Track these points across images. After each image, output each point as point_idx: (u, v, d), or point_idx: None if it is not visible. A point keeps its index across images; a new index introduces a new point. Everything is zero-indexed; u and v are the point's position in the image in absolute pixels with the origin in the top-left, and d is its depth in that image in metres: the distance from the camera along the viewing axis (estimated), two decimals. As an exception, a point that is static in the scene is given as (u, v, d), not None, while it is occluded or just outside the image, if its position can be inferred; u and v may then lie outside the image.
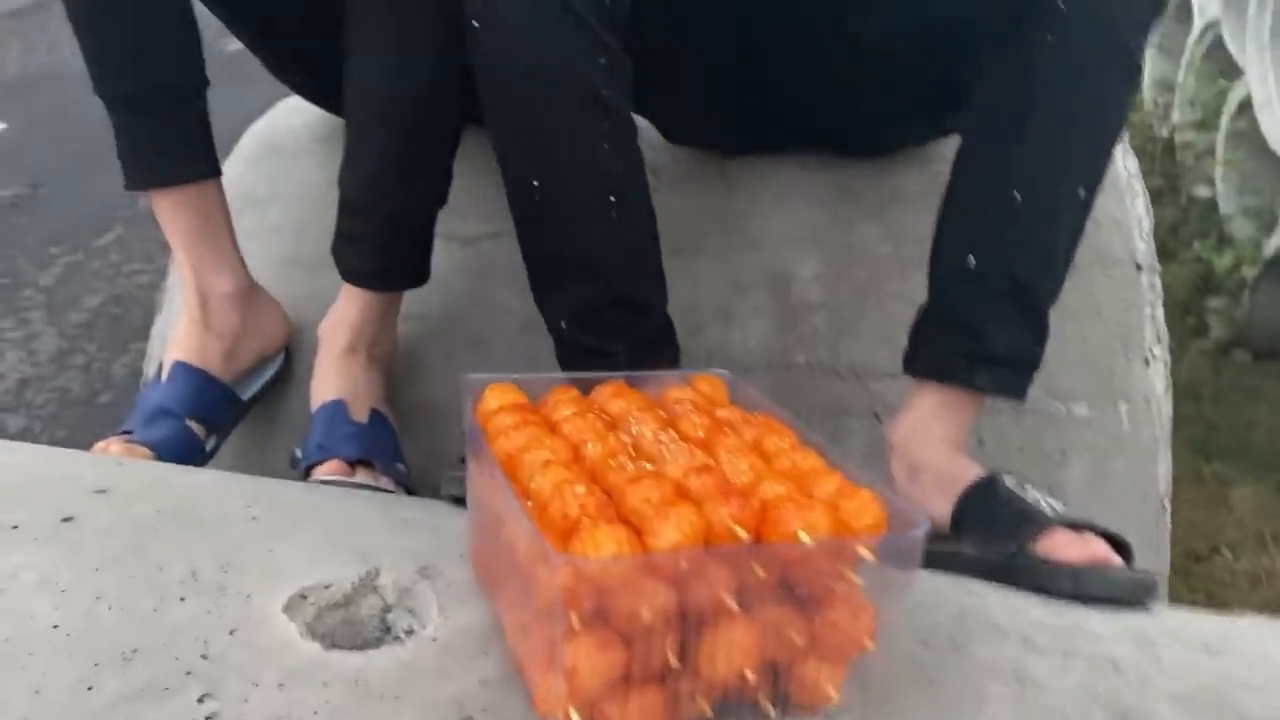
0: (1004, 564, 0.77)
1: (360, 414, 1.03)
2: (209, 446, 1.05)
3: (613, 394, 0.66)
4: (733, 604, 0.50)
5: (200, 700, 0.54)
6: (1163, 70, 3.57)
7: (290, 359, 1.17)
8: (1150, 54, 3.66)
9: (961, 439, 0.89)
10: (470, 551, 0.67)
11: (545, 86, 0.86)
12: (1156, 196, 3.36)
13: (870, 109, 1.13)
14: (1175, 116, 3.38)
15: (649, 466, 0.56)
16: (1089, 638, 0.67)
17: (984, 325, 0.87)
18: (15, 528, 0.66)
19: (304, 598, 0.63)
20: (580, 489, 0.52)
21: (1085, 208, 0.86)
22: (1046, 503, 0.80)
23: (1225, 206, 3.07)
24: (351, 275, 1.07)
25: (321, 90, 1.27)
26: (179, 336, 1.08)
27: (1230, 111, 2.98)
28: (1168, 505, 1.06)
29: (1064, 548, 0.75)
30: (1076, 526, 0.77)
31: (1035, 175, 0.84)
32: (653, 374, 0.74)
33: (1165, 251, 3.19)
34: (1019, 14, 0.83)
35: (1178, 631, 0.70)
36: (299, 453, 1.02)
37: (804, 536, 0.50)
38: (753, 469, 0.56)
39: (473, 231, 1.20)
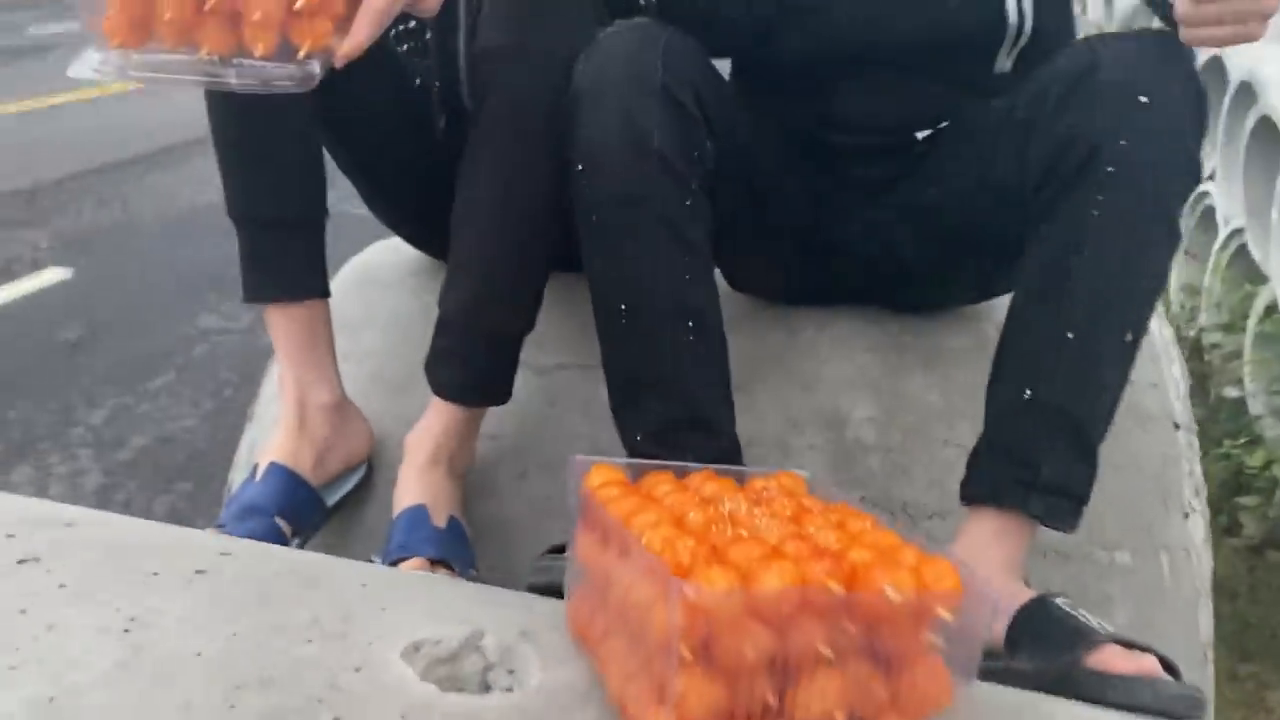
0: (1059, 676, 0.83)
1: (440, 520, 1.11)
2: (294, 545, 1.12)
3: (704, 479, 0.74)
4: (828, 652, 0.56)
5: (331, 723, 0.60)
6: (1189, 275, 3.73)
7: (371, 471, 1.26)
8: (1177, 260, 3.84)
9: (1014, 564, 0.96)
10: (569, 619, 0.74)
11: (638, 224, 0.99)
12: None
13: (924, 271, 1.25)
14: (1202, 319, 3.51)
15: (745, 533, 0.64)
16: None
17: (1038, 455, 0.96)
18: (155, 574, 0.73)
19: (416, 649, 0.70)
20: (690, 541, 0.60)
21: (1131, 353, 0.97)
22: (1098, 623, 0.86)
23: (1255, 407, 3.15)
24: (442, 389, 1.17)
25: (419, 234, 1.41)
26: (276, 441, 1.18)
27: (1257, 314, 3.10)
28: (1210, 655, 1.11)
29: (1117, 661, 0.81)
30: (1129, 645, 0.83)
31: (1086, 320, 0.94)
32: (737, 468, 0.82)
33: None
34: (1070, 179, 0.95)
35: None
36: (376, 559, 1.09)
37: (891, 592, 0.57)
38: (840, 540, 0.64)
39: (548, 362, 1.31)
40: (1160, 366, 1.26)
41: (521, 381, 1.27)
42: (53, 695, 0.59)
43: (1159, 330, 1.29)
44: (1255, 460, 3.07)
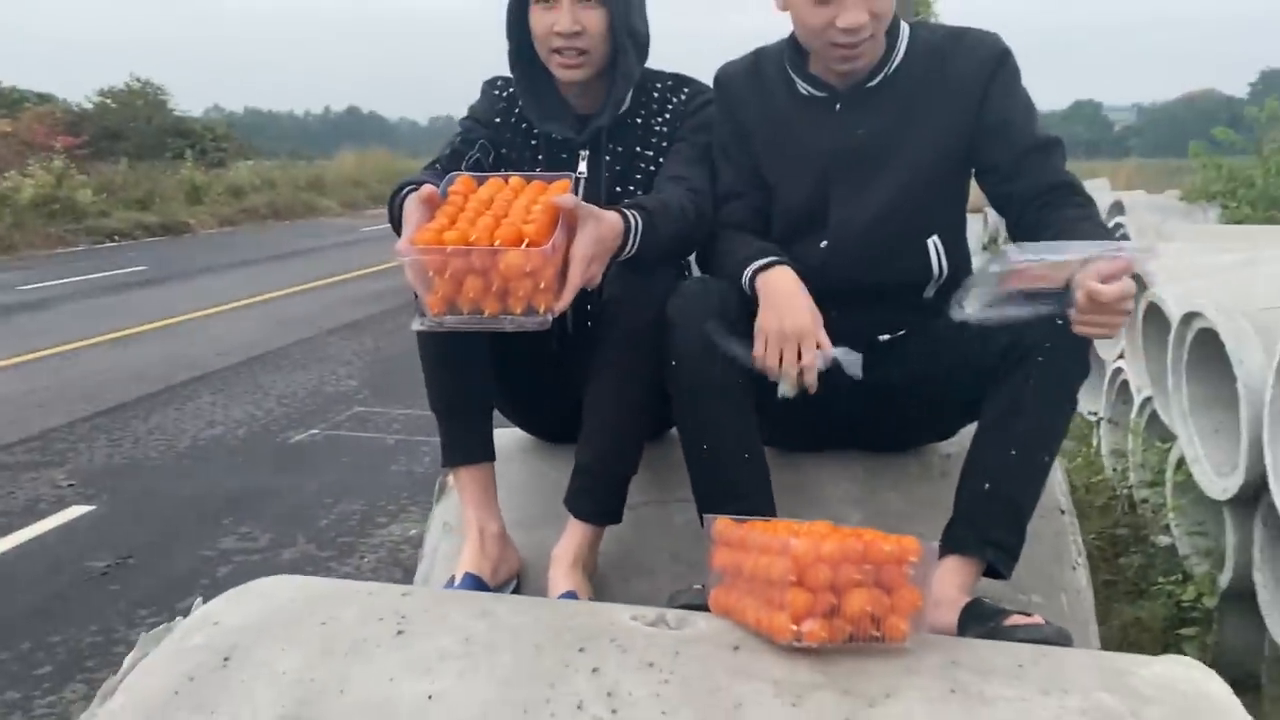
0: (988, 634, 1.52)
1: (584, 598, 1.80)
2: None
3: (766, 526, 1.46)
4: (859, 577, 1.26)
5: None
6: (1115, 440, 4.48)
7: (520, 581, 1.93)
8: (1104, 428, 4.63)
9: (967, 588, 1.70)
10: (713, 605, 1.43)
11: (711, 397, 1.76)
12: (1126, 545, 4.14)
13: (892, 428, 2.00)
14: (1131, 477, 4.21)
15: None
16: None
17: (990, 526, 1.71)
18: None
19: (633, 618, 1.36)
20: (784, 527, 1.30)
21: (1048, 468, 1.76)
22: (1005, 609, 1.56)
23: (1182, 549, 3.78)
24: (580, 514, 1.90)
25: (530, 422, 2.20)
26: (466, 559, 1.88)
27: (1172, 467, 3.79)
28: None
29: (1018, 619, 1.52)
30: (1026, 614, 1.53)
31: (1024, 446, 1.73)
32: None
33: (1139, 591, 3.90)
34: (1014, 363, 1.72)
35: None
36: None
37: (888, 547, 1.28)
38: (854, 532, 1.35)
39: (634, 501, 2.01)
40: (1052, 477, 1.99)
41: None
42: None
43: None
44: (1188, 595, 3.67)
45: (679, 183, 1.96)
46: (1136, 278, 1.76)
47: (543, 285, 1.59)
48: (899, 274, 1.93)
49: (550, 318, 1.62)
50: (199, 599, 1.43)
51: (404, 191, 1.80)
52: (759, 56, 2.03)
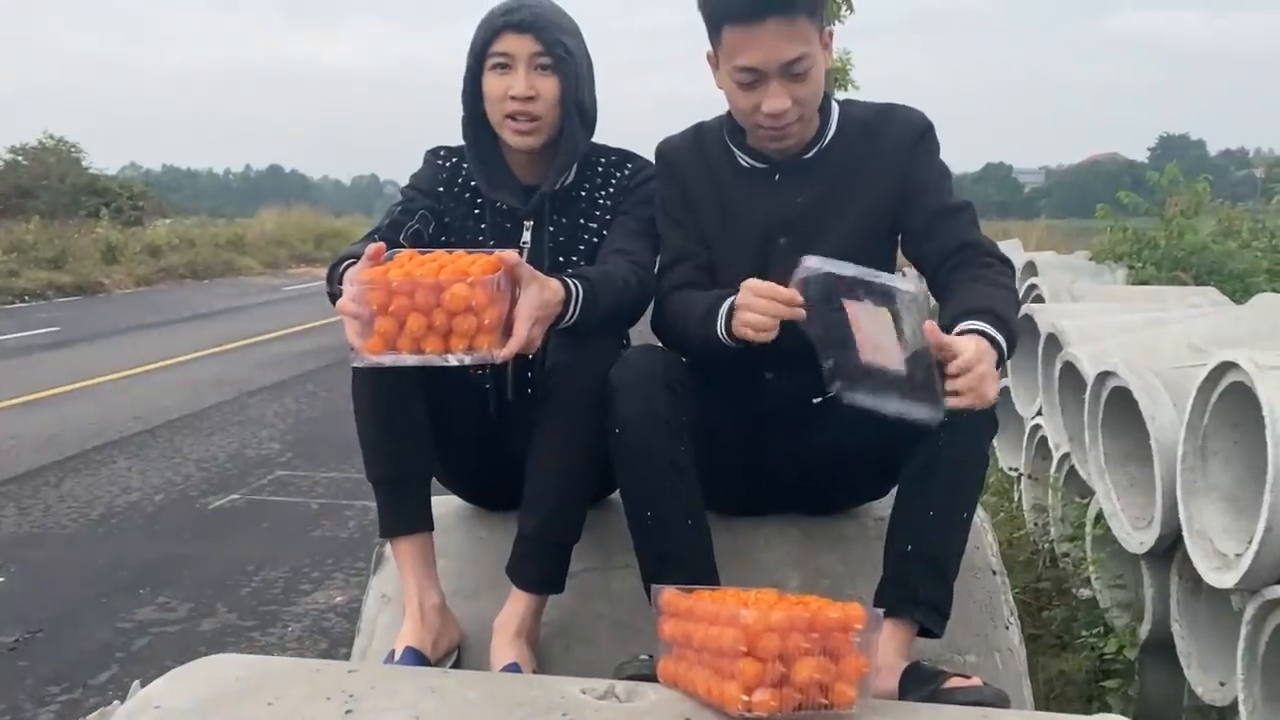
0: (928, 697, 1.54)
1: (528, 670, 1.79)
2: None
3: (717, 594, 1.47)
4: (807, 646, 1.28)
5: None
6: (1035, 496, 4.58)
7: (460, 655, 1.91)
8: (1025, 484, 4.73)
9: (904, 650, 1.73)
10: (662, 676, 1.43)
11: (654, 463, 1.77)
12: (1049, 599, 4.21)
13: (826, 486, 2.03)
14: (1052, 532, 4.30)
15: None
16: None
17: (916, 584, 1.72)
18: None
19: (583, 693, 1.36)
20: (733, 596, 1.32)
21: (968, 525, 1.80)
22: (945, 669, 1.59)
23: (1103, 601, 3.86)
24: (523, 584, 1.89)
25: (468, 490, 2.19)
26: (406, 632, 1.85)
27: (1091, 521, 3.88)
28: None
29: (957, 681, 1.55)
30: (965, 676, 1.56)
31: (942, 505, 1.76)
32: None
33: (1063, 644, 3.97)
34: (920, 435, 1.75)
35: None
36: None
37: (834, 615, 1.30)
38: (800, 600, 1.37)
39: (574, 569, 2.01)
40: (981, 537, 2.04)
41: (561, 581, 1.96)
42: None
43: (980, 514, 2.08)
44: (1110, 647, 3.74)
45: (622, 256, 1.99)
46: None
47: (486, 322, 1.61)
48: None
49: (495, 356, 1.63)
50: (136, 683, 1.39)
51: (343, 264, 1.80)
52: (699, 131, 2.10)
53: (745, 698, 1.26)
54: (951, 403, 1.62)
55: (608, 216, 2.11)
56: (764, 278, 1.92)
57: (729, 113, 2.02)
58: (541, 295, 1.72)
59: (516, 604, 1.88)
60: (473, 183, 2.11)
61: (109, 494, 6.00)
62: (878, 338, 1.64)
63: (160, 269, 21.18)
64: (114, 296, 18.41)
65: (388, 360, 1.62)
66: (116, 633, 4.24)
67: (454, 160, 2.15)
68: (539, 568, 1.89)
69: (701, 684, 1.34)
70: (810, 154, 1.99)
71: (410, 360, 1.62)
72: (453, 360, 1.62)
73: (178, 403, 8.53)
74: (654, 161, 2.11)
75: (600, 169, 2.15)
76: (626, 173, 2.16)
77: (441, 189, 2.13)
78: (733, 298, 1.81)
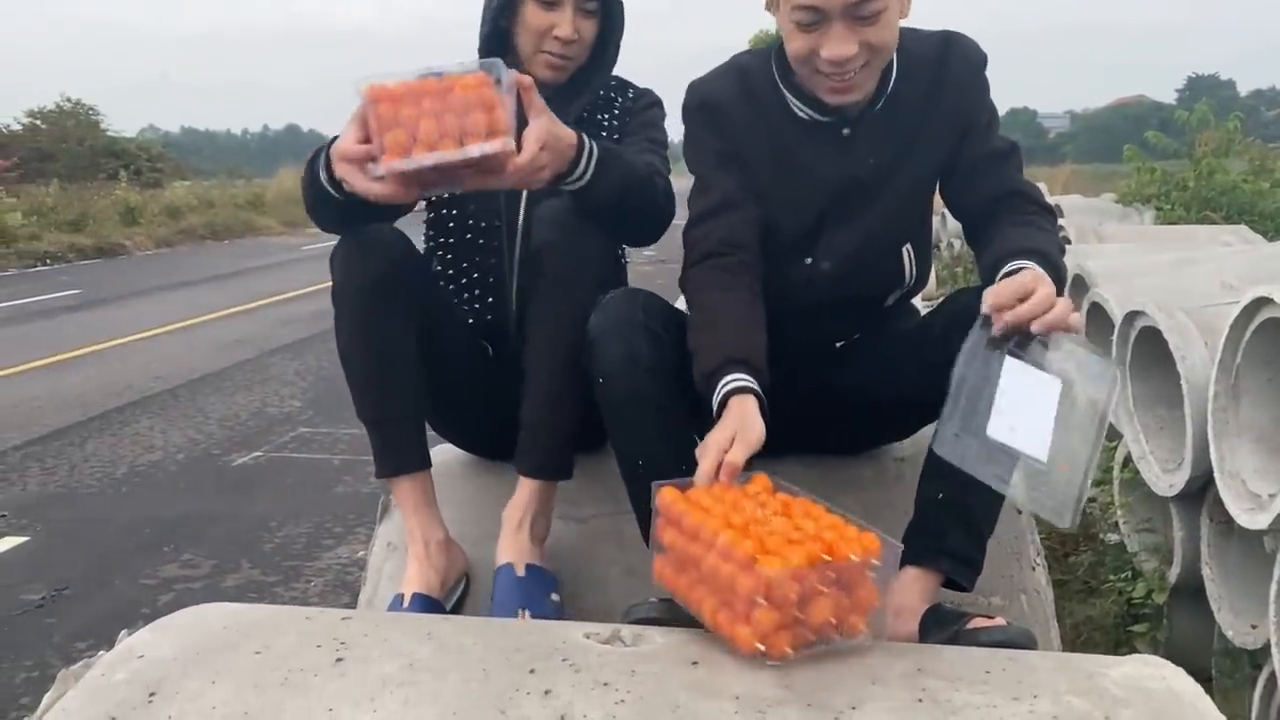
0: (950, 638, 1.47)
1: (520, 570, 1.80)
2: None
3: (724, 489, 1.40)
4: (824, 589, 1.21)
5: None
6: (1062, 440, 4.47)
7: (469, 583, 1.89)
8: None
9: (928, 595, 1.66)
10: (657, 576, 1.42)
11: (642, 411, 1.69)
12: (1075, 544, 4.14)
13: (850, 429, 1.95)
14: None
15: (769, 528, 1.29)
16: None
17: (945, 534, 1.66)
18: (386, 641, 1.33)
19: (587, 636, 1.30)
20: (749, 541, 1.25)
21: None
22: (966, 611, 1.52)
23: (1131, 546, 3.82)
24: (525, 470, 1.86)
25: (482, 447, 2.15)
26: (412, 575, 1.81)
27: (1119, 465, 3.82)
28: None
29: (980, 622, 1.48)
30: (988, 616, 1.49)
31: None
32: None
33: (1090, 589, 3.91)
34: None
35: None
36: None
37: (853, 556, 1.23)
38: (815, 524, 1.30)
39: (583, 514, 1.95)
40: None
41: (565, 529, 1.91)
42: None
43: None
44: (1139, 592, 3.70)
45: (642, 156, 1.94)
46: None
47: (498, 116, 1.52)
48: (873, 286, 1.90)
49: (512, 142, 1.54)
50: (124, 631, 1.35)
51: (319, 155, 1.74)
52: (741, 73, 1.86)
53: (761, 647, 1.20)
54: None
55: (615, 138, 2.06)
56: (815, 232, 1.83)
57: (775, 51, 1.82)
58: (552, 127, 1.63)
59: (521, 494, 1.86)
60: None
61: (132, 453, 6.01)
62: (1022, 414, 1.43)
63: (180, 230, 21.23)
64: (134, 258, 18.46)
65: (405, 165, 1.52)
66: (141, 589, 4.25)
67: None
68: (539, 452, 1.86)
69: (707, 610, 1.28)
70: (879, 105, 1.79)
71: (429, 159, 1.52)
72: (474, 152, 1.52)
73: (199, 362, 8.53)
74: (685, 103, 1.89)
75: (601, 94, 2.10)
76: (629, 96, 2.12)
77: None
78: (718, 405, 1.62)
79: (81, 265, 17.04)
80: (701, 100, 1.85)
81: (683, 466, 1.67)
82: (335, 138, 1.64)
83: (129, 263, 17.67)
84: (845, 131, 1.80)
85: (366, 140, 1.56)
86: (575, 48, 1.98)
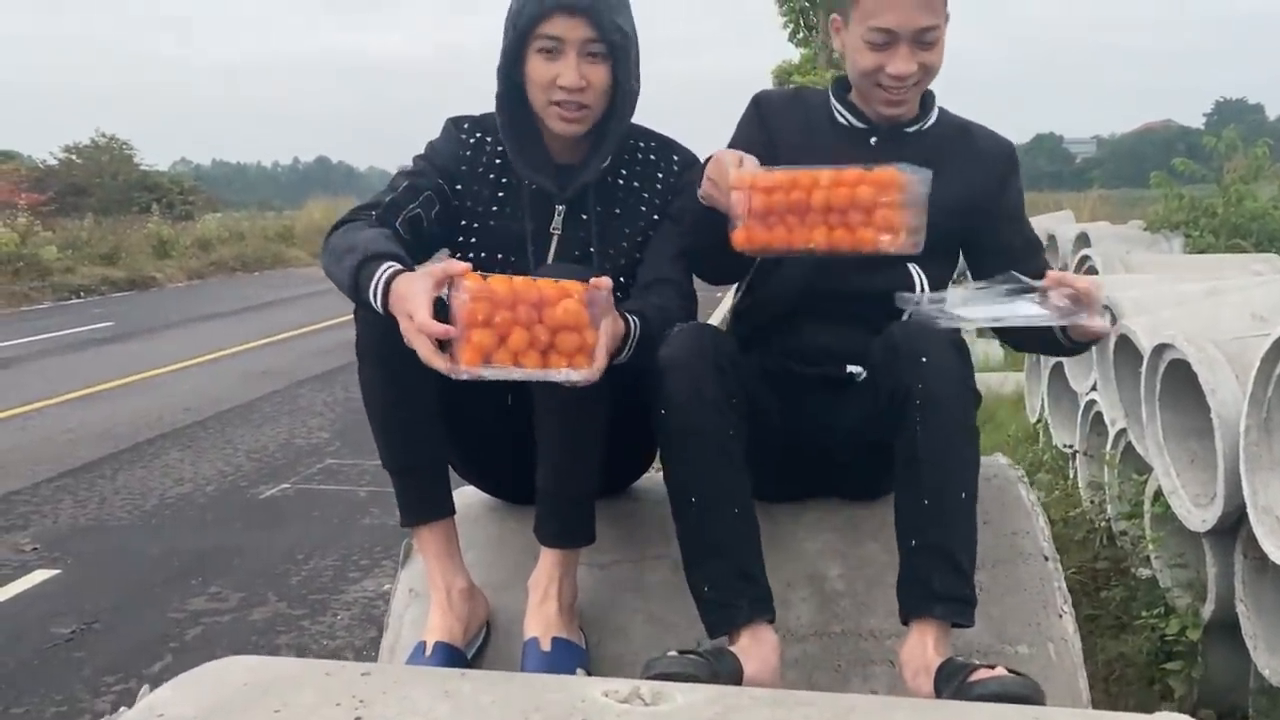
0: (956, 693, 1.46)
1: (546, 644, 1.77)
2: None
3: None
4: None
5: None
6: (1091, 473, 4.44)
7: (490, 630, 1.88)
8: (1080, 460, 4.59)
9: (941, 647, 1.63)
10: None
11: (703, 446, 1.69)
12: (1106, 579, 4.08)
13: (871, 471, 1.94)
14: (1109, 510, 4.17)
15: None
16: None
17: (930, 578, 1.64)
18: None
19: (604, 695, 1.29)
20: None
21: (971, 505, 1.68)
22: (973, 661, 1.51)
23: (1164, 581, 3.74)
24: (544, 539, 1.83)
25: (504, 490, 2.13)
26: (435, 624, 1.80)
27: (1150, 499, 3.75)
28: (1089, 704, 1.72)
29: (982, 674, 1.47)
30: (990, 667, 1.48)
31: (933, 490, 1.66)
32: None
33: (1122, 625, 3.84)
34: (900, 409, 1.67)
35: None
36: None
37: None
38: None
39: (605, 560, 1.94)
40: (1032, 520, 1.94)
41: (589, 575, 1.90)
42: None
43: (1026, 495, 1.99)
44: (1172, 629, 3.62)
45: (670, 286, 1.92)
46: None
47: (588, 341, 1.57)
48: (878, 280, 1.90)
49: (598, 371, 1.58)
50: (145, 687, 1.35)
51: (343, 227, 1.79)
52: (800, 93, 2.20)
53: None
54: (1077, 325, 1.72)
55: (655, 216, 2.00)
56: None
57: (835, 83, 2.09)
58: (615, 327, 1.66)
59: (544, 564, 1.83)
60: (498, 161, 1.99)
61: (162, 485, 6.06)
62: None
63: (211, 262, 21.46)
64: (166, 290, 18.67)
65: (488, 374, 1.54)
66: (170, 623, 4.28)
67: (479, 135, 2.01)
68: (557, 521, 1.83)
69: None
70: (911, 129, 2.04)
71: (514, 375, 1.55)
72: (558, 377, 1.57)
73: (228, 394, 8.62)
74: (747, 108, 2.11)
75: (640, 155, 2.03)
76: (675, 168, 2.04)
77: (464, 167, 1.99)
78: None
79: (114, 298, 17.25)
80: (757, 101, 2.11)
81: (735, 510, 1.68)
82: (389, 253, 1.67)
83: (160, 295, 17.88)
84: (873, 140, 2.02)
85: (439, 301, 1.57)
86: (587, 95, 1.88)
